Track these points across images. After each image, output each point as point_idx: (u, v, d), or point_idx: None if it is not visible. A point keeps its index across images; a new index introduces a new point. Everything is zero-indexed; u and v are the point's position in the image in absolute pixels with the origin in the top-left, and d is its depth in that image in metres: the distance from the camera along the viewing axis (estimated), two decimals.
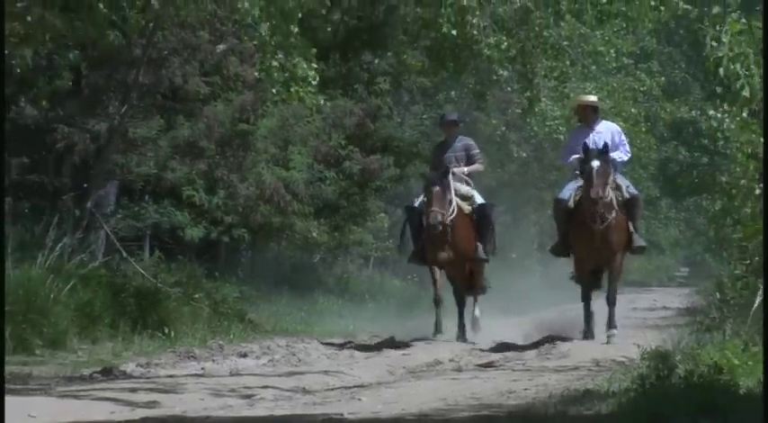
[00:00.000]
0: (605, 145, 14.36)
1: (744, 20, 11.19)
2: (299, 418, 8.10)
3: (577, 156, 14.54)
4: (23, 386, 10.27)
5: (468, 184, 15.57)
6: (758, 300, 10.92)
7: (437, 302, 15.37)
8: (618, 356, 12.34)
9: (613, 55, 28.33)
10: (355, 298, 21.69)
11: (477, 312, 15.85)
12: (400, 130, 23.63)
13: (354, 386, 10.54)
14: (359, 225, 23.02)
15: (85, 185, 17.60)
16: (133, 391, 9.49)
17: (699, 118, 37.51)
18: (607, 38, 26.79)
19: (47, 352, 13.38)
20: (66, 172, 18.20)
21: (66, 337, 13.97)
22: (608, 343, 13.98)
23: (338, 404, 9.02)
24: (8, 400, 8.75)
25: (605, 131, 15.09)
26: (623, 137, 15.28)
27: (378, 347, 14.48)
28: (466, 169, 15.62)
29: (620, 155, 14.93)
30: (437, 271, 15.43)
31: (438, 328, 15.25)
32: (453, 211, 15.06)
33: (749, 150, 12.54)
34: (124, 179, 18.57)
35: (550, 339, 14.32)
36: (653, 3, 22.46)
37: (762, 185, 11.89)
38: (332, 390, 10.24)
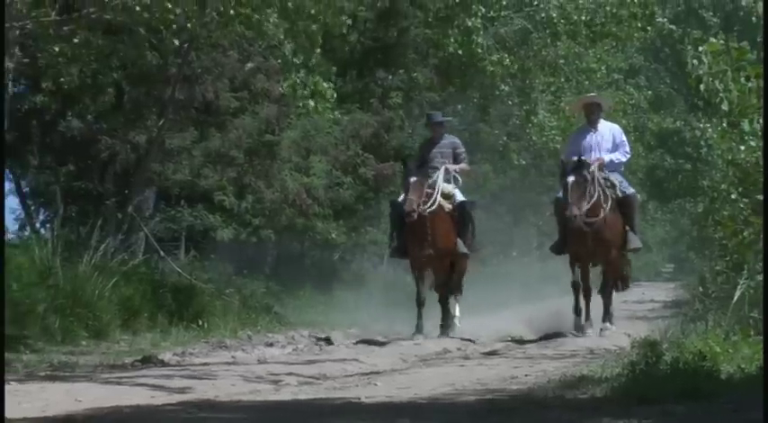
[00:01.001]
0: (579, 158, 13.32)
1: (722, 41, 11.15)
2: (321, 402, 8.09)
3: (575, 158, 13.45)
4: (71, 373, 10.29)
5: (456, 181, 14.42)
6: (738, 293, 10.89)
7: (420, 303, 14.18)
8: (610, 345, 12.30)
9: (604, 71, 28.28)
10: (371, 292, 21.62)
11: (456, 312, 14.63)
12: (411, 140, 23.57)
13: (371, 373, 10.51)
14: (374, 226, 23.00)
15: (127, 191, 17.66)
16: (170, 377, 9.48)
17: (683, 128, 37.38)
18: (599, 56, 26.75)
19: (92, 342, 13.41)
20: (109, 179, 18.25)
21: (109, 328, 14.01)
22: (600, 335, 13.51)
23: (356, 389, 9.00)
24: (57, 385, 8.82)
25: (606, 131, 14.12)
26: (623, 137, 14.27)
27: (391, 338, 14.37)
28: (457, 167, 14.47)
29: (619, 156, 14.01)
30: (421, 271, 14.38)
31: (418, 329, 13.95)
32: (434, 204, 13.89)
33: (729, 157, 12.49)
34: (162, 186, 18.63)
35: (550, 335, 14.07)
36: (640, 24, 22.56)
37: (740, 190, 11.87)
38: (350, 376, 10.21)
